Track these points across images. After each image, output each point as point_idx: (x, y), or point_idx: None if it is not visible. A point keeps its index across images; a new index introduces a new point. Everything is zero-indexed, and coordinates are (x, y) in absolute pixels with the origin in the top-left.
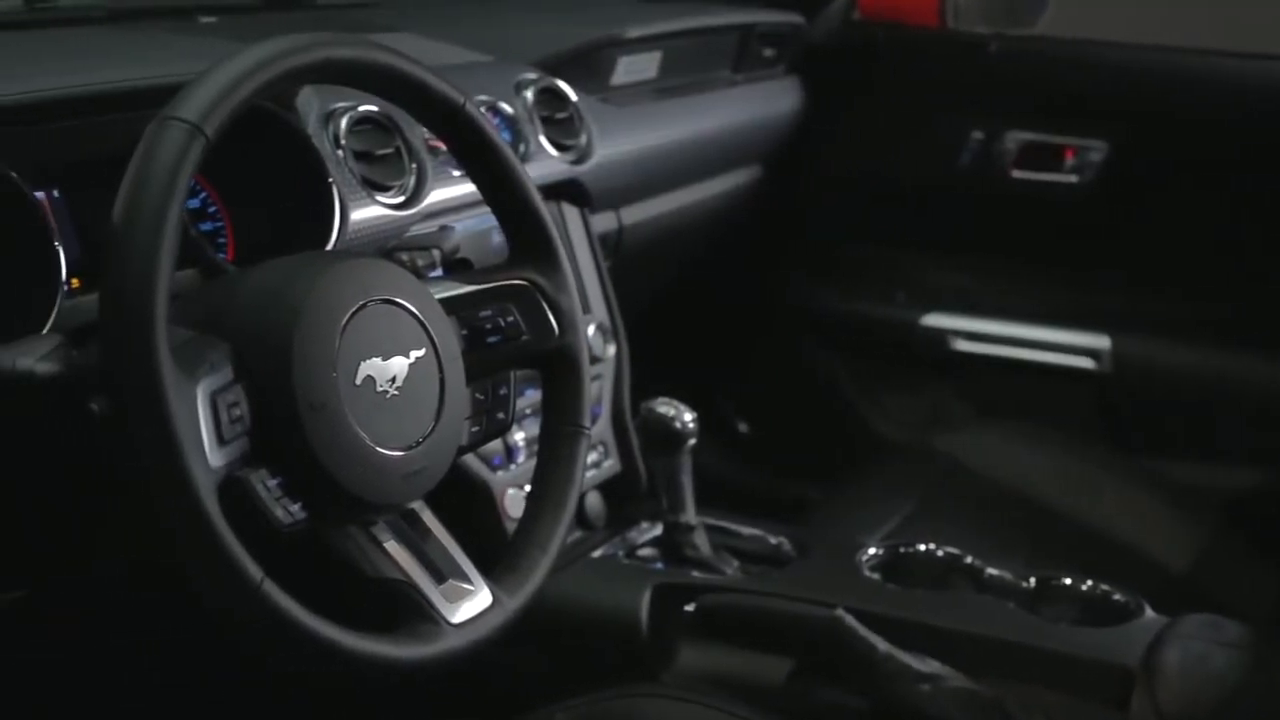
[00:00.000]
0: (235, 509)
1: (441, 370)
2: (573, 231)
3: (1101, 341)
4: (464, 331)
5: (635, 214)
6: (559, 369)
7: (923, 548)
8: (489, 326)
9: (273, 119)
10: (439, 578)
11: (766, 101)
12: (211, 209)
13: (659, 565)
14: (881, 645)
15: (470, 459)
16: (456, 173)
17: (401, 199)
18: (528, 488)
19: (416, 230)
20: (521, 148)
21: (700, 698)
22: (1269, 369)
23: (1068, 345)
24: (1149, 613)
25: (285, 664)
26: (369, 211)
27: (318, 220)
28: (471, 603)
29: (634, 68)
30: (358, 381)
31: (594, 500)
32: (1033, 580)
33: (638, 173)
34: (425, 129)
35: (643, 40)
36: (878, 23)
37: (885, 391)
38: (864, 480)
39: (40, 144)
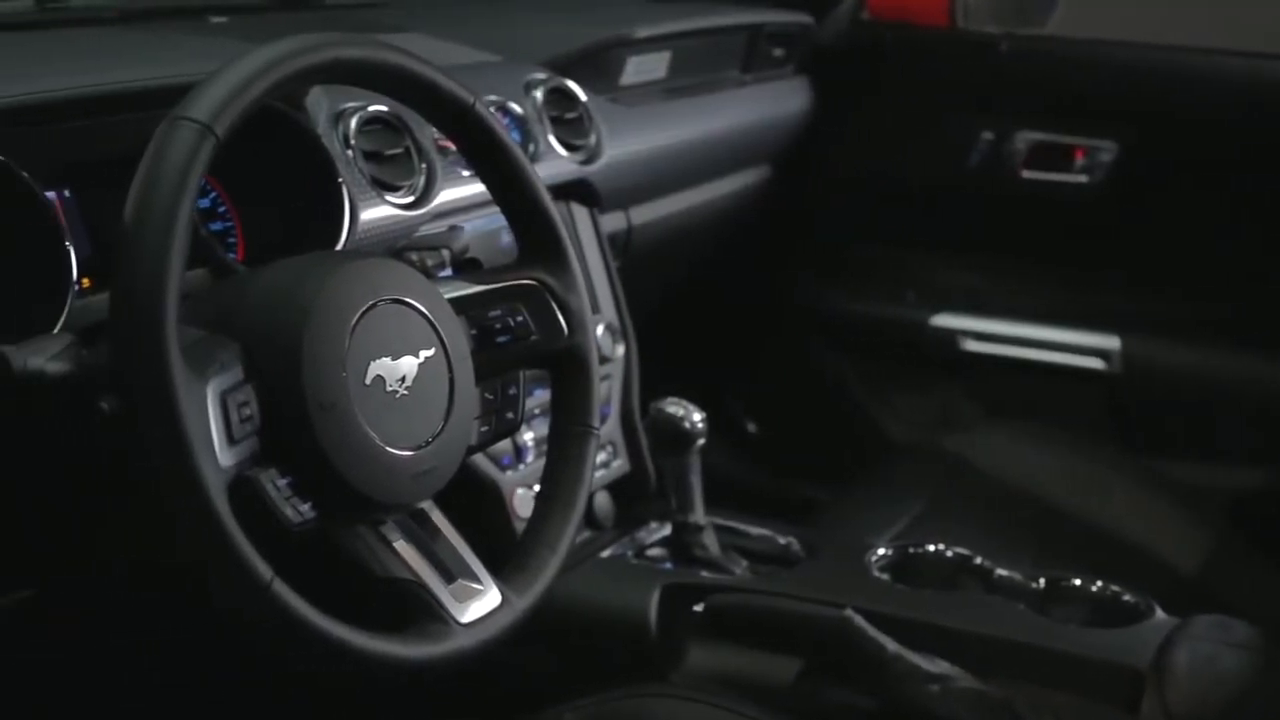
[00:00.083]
0: (245, 508)
1: (451, 370)
2: (582, 231)
3: (1111, 342)
4: (473, 331)
5: (644, 214)
6: (568, 369)
7: (932, 548)
8: (498, 326)
9: (283, 119)
10: (448, 577)
11: (775, 101)
12: (221, 209)
13: (668, 565)
14: (891, 646)
15: (479, 459)
16: (466, 173)
17: (411, 199)
18: (537, 487)
19: (426, 230)
20: (531, 148)
21: (709, 698)
22: None
23: (1077, 346)
24: (1159, 614)
25: (295, 664)
26: (378, 211)
27: (327, 220)
28: (481, 602)
29: (643, 68)
30: (367, 381)
31: (603, 500)
32: (1042, 581)
33: (647, 173)
34: (435, 129)
35: (652, 40)
36: (887, 23)
37: (894, 392)
38: (873, 480)
39: (51, 144)
